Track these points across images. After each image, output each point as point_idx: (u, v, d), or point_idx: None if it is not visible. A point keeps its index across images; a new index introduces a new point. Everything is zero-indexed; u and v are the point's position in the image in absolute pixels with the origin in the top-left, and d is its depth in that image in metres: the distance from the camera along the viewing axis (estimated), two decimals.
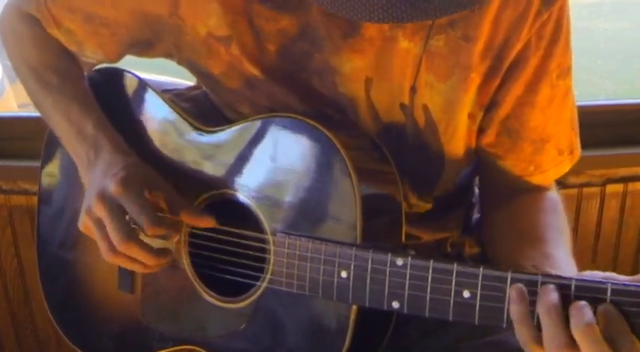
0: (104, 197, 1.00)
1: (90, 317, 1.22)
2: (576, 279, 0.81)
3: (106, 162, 1.05)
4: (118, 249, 1.00)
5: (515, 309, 0.83)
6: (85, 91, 1.15)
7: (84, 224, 1.04)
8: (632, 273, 0.83)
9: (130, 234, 0.99)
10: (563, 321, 0.79)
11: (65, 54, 1.17)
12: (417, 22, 0.88)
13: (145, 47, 1.12)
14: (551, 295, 0.81)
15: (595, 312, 0.79)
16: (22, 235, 1.76)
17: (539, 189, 1.14)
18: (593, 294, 0.80)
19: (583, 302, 0.79)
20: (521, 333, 0.83)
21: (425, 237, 1.13)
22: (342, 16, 0.89)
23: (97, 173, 1.05)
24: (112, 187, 1.00)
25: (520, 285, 0.83)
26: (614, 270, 0.89)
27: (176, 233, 1.08)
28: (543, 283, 0.82)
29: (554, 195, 1.15)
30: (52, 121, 1.15)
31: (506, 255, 1.05)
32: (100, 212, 1.01)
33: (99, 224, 1.01)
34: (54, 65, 1.16)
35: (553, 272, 0.92)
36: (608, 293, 0.79)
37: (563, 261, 0.99)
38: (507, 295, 0.84)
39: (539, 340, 0.81)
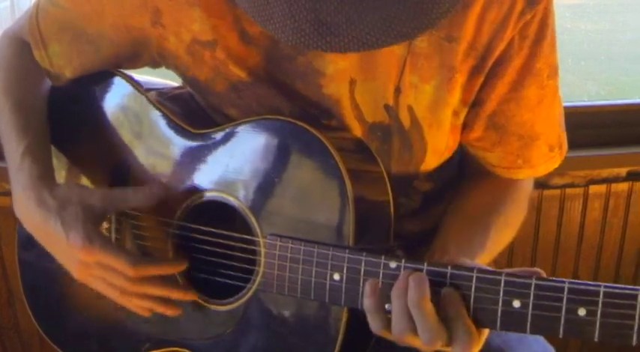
0: (87, 264, 1.04)
1: (73, 319, 1.21)
2: (452, 266, 0.88)
3: (36, 198, 1.07)
4: (136, 276, 1.03)
5: (368, 302, 0.90)
6: (36, 124, 1.16)
7: (89, 282, 1.08)
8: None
9: (135, 261, 1.03)
10: (405, 307, 0.87)
11: (38, 93, 1.18)
12: (322, 51, 0.90)
13: (129, 59, 1.13)
14: (402, 283, 0.88)
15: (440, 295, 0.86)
16: (5, 236, 1.74)
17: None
18: (458, 281, 0.87)
19: (422, 275, 0.87)
20: (375, 322, 0.90)
21: (411, 233, 1.13)
22: (263, 28, 0.91)
23: (34, 213, 1.07)
24: (82, 256, 1.03)
25: (374, 280, 0.90)
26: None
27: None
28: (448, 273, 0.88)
29: (528, 184, 1.18)
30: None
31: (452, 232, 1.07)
32: (97, 275, 1.05)
33: (103, 278, 1.06)
34: (18, 98, 1.16)
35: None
36: (448, 277, 0.87)
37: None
38: (501, 297, 0.84)
39: (388, 325, 0.89)
